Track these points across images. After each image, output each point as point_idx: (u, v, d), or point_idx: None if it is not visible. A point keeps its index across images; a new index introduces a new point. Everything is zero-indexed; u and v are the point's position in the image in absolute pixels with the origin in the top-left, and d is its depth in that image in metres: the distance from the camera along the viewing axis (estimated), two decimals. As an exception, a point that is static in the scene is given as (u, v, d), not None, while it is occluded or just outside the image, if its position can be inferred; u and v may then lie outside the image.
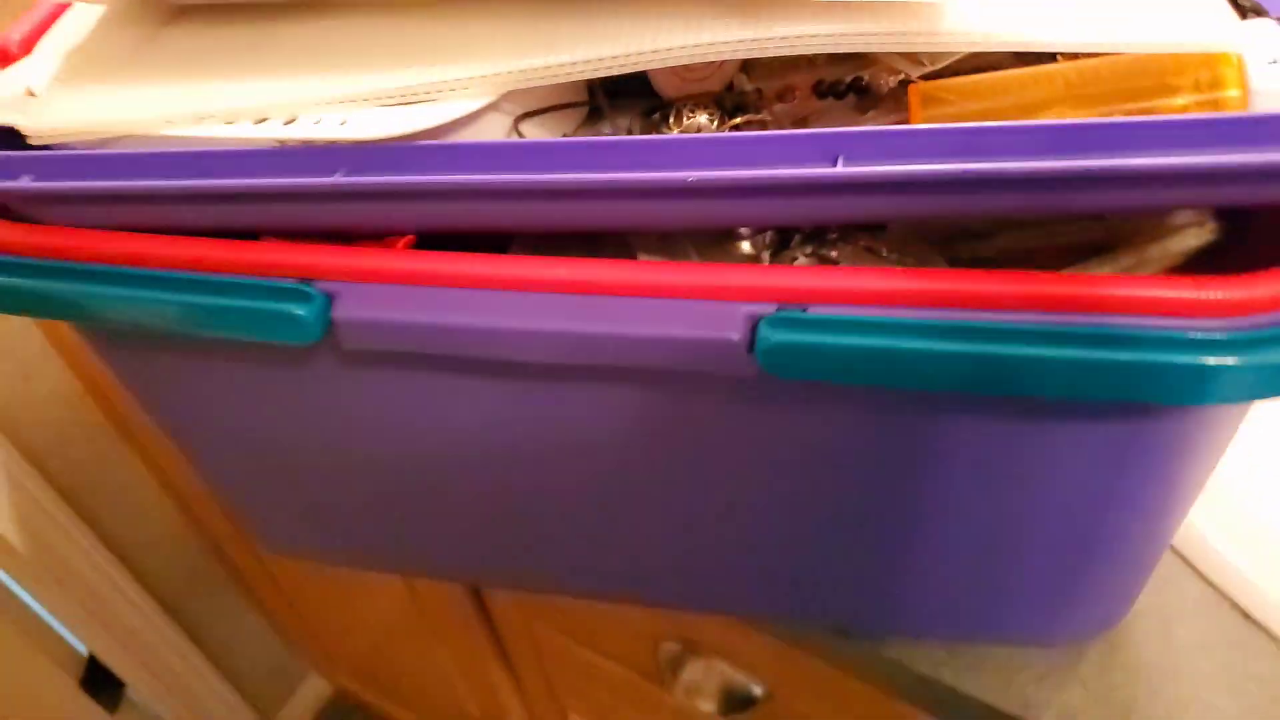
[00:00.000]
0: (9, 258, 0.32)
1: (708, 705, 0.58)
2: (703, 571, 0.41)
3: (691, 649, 0.59)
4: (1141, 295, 0.25)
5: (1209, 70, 0.24)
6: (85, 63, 0.32)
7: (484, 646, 0.80)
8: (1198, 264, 0.31)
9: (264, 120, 0.29)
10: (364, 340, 0.30)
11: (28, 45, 0.38)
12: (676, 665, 0.59)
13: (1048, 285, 0.25)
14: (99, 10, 0.37)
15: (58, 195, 0.31)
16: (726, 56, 0.26)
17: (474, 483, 0.38)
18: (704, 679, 0.58)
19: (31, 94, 0.35)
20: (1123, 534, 0.36)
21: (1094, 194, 0.24)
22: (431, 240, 0.31)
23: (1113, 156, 0.23)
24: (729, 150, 0.25)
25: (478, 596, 0.75)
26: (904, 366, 0.26)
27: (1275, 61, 0.24)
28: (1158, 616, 0.45)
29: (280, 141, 0.29)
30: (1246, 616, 0.45)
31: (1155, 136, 0.23)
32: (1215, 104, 0.25)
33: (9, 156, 0.31)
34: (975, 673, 0.45)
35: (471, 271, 0.29)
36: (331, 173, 0.28)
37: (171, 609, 1.12)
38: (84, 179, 0.30)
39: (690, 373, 0.29)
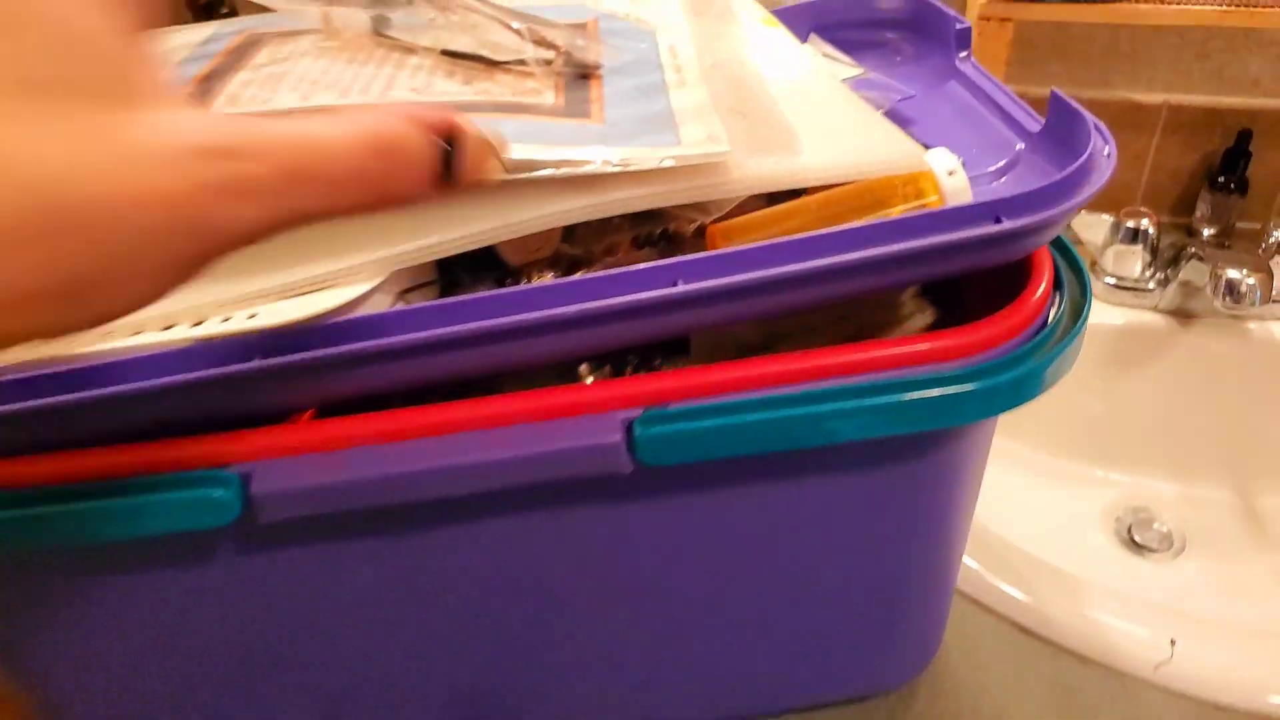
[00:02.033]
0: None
1: None
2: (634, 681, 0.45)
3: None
4: (904, 352, 0.34)
5: (913, 186, 0.35)
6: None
7: None
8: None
9: (170, 327, 0.33)
10: (282, 511, 0.34)
11: None
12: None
13: (841, 356, 0.34)
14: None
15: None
16: (569, 221, 0.34)
17: (394, 652, 0.41)
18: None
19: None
20: (924, 566, 0.44)
21: (850, 281, 0.34)
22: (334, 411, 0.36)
23: (860, 251, 0.32)
24: (599, 286, 0.33)
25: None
26: (754, 435, 0.34)
27: (952, 173, 0.35)
28: (959, 648, 0.55)
29: (194, 340, 0.32)
30: (1024, 630, 0.55)
31: (884, 234, 0.33)
32: (923, 209, 0.35)
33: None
34: (840, 727, 0.51)
35: (372, 429, 0.34)
36: (249, 359, 0.32)
37: None
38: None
39: (585, 477, 0.34)
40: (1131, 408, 0.74)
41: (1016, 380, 0.34)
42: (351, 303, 0.33)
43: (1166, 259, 0.72)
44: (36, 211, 0.15)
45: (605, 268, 0.37)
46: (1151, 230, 0.72)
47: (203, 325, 0.33)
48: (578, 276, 0.33)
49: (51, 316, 0.16)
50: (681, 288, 0.32)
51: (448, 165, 0.23)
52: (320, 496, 0.34)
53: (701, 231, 0.37)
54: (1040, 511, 0.73)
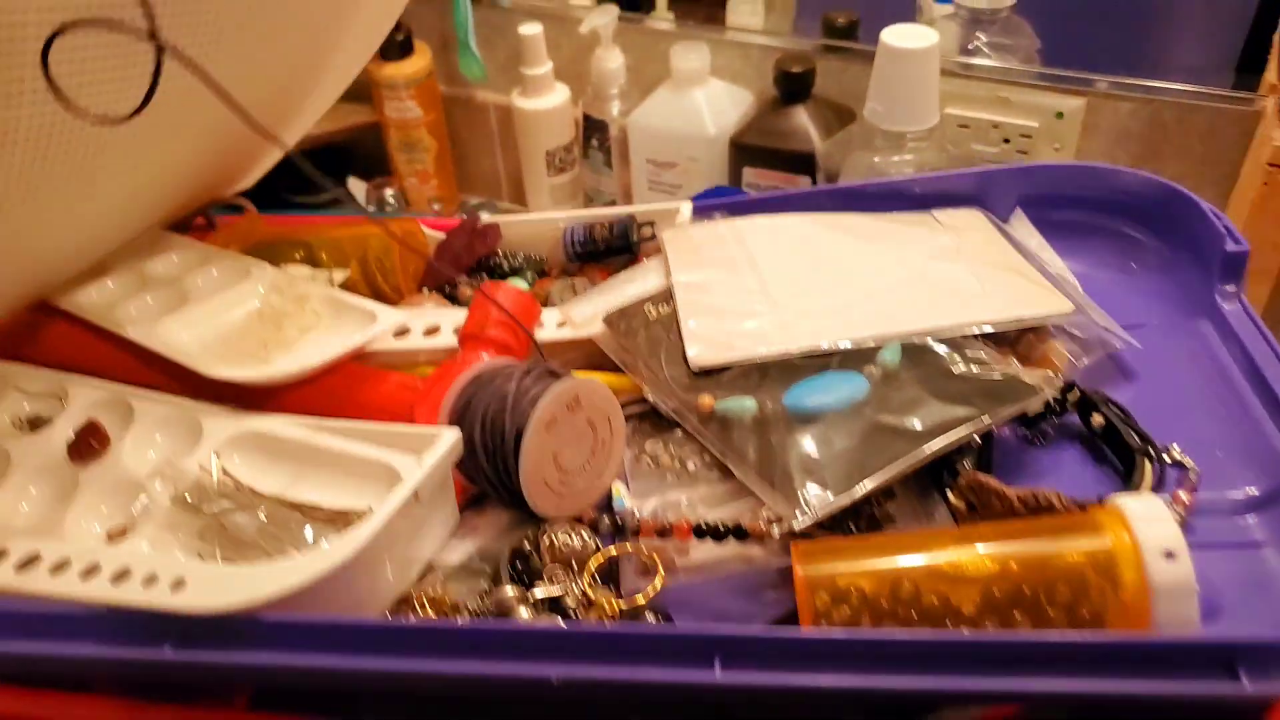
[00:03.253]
0: None
1: None
2: None
3: None
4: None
5: (1104, 556, 0.23)
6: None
7: None
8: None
9: (93, 573, 0.27)
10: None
11: None
12: None
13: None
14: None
15: None
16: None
17: None
18: None
19: None
20: None
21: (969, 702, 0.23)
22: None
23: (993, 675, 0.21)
24: (604, 642, 0.23)
25: None
26: None
27: (1172, 555, 0.23)
28: None
29: (107, 605, 0.26)
30: None
31: (1038, 653, 0.21)
32: (1113, 583, 0.23)
33: None
34: None
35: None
36: (160, 643, 0.25)
37: None
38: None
39: None
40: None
41: None
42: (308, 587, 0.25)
43: None
44: None
45: (658, 555, 0.28)
46: None
47: (124, 583, 0.26)
48: (589, 627, 0.23)
49: None
50: (720, 675, 0.22)
51: None
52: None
53: (788, 535, 0.27)
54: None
